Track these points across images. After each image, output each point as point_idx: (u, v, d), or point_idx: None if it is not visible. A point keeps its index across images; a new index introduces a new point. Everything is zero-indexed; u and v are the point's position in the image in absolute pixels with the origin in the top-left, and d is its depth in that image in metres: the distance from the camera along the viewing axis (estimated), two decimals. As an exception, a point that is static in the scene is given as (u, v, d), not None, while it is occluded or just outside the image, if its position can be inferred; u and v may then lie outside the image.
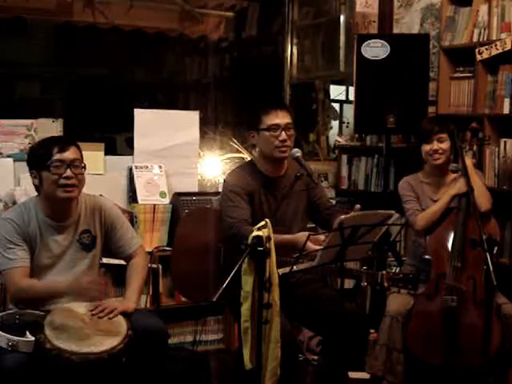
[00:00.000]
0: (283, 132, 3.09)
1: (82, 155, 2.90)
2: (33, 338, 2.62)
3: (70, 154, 2.83)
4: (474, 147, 3.60)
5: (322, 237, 2.81)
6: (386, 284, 2.87)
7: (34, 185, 2.90)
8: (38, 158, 2.85)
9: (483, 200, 3.32)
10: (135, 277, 3.05)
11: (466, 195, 3.26)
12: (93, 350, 2.59)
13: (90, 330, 2.69)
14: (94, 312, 2.80)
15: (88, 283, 2.79)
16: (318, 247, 2.78)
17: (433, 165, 3.47)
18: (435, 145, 3.42)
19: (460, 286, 3.14)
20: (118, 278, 3.45)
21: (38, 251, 2.89)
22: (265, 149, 3.15)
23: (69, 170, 2.80)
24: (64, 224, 2.93)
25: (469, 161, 3.36)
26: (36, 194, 2.94)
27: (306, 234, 2.78)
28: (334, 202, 4.87)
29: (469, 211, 3.25)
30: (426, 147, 3.44)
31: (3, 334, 2.62)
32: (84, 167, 2.88)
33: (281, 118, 3.11)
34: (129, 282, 3.05)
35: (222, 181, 3.39)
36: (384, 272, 2.89)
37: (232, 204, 3.08)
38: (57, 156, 2.80)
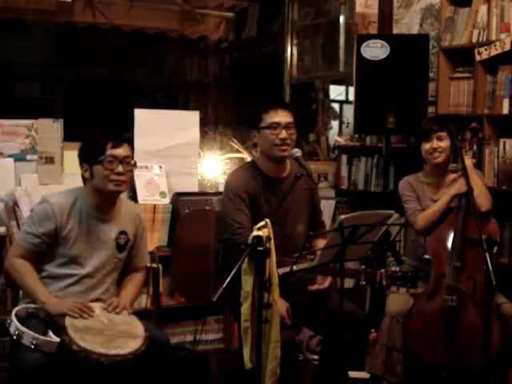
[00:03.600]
0: (283, 130, 3.08)
1: (132, 153, 2.99)
2: (58, 339, 2.60)
3: (122, 150, 2.89)
4: (474, 147, 3.60)
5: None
6: (384, 282, 2.86)
7: (82, 177, 2.94)
8: (91, 152, 2.90)
9: (483, 200, 3.32)
10: (135, 288, 3.10)
11: (465, 195, 3.25)
12: (119, 351, 2.60)
13: (110, 332, 2.71)
14: (109, 309, 2.85)
15: (70, 307, 2.75)
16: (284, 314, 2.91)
17: (433, 164, 3.47)
18: (435, 143, 3.42)
19: (460, 285, 3.14)
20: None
21: (73, 240, 2.88)
22: (265, 147, 3.14)
23: (120, 166, 2.86)
24: (105, 217, 2.96)
25: (468, 161, 3.36)
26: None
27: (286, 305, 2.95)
28: (333, 201, 4.91)
29: (469, 211, 3.24)
30: (426, 146, 3.44)
31: (28, 331, 2.59)
32: (134, 165, 2.96)
33: (281, 116, 3.10)
34: (129, 287, 3.07)
35: (224, 182, 3.38)
36: (383, 270, 2.89)
37: (236, 207, 3.07)
38: (110, 152, 2.85)
